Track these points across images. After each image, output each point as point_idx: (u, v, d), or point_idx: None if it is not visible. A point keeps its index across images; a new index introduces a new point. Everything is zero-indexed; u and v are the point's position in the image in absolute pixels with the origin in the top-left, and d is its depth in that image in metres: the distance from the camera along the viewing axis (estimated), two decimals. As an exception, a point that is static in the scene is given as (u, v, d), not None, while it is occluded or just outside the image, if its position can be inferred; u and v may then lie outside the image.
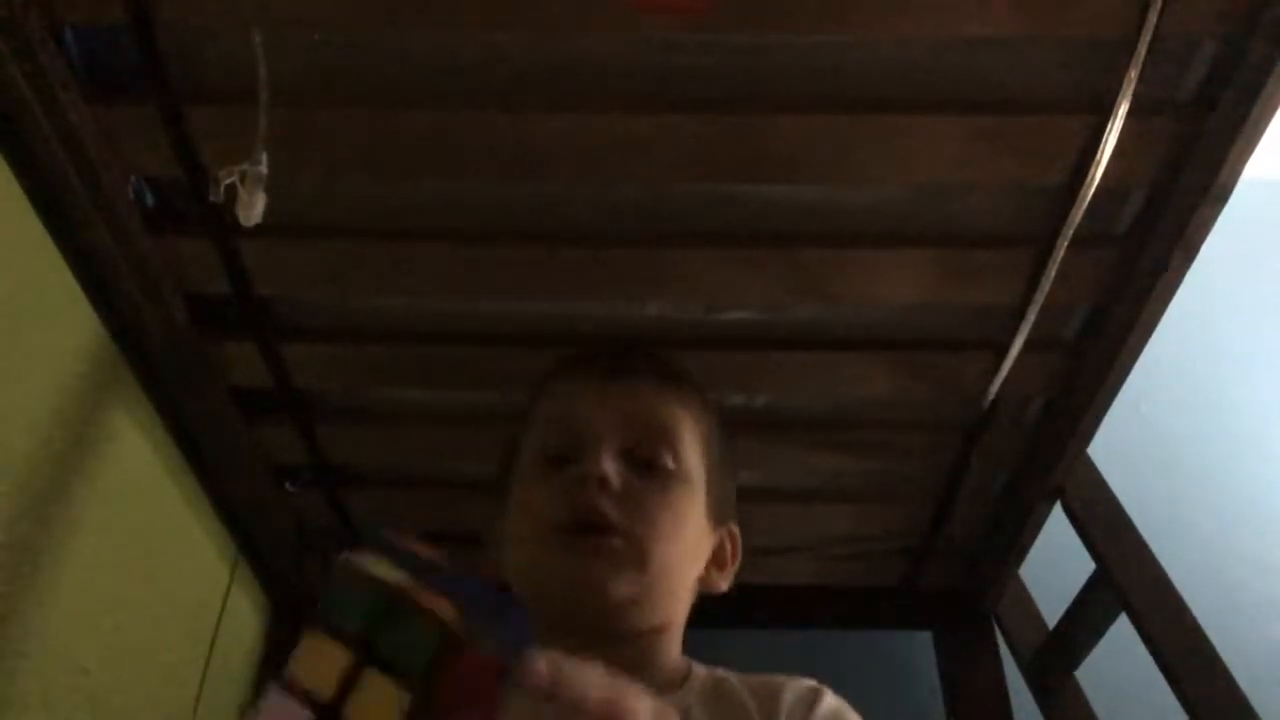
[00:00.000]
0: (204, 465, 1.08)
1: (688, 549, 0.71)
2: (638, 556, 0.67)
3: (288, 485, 1.16)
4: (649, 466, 0.70)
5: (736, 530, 0.78)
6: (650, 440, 0.71)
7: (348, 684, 0.32)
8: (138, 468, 0.99)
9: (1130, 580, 1.05)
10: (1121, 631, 1.07)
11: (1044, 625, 1.26)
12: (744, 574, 0.81)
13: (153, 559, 1.04)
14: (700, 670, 0.74)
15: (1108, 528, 1.09)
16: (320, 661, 0.32)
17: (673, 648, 0.74)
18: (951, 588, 1.32)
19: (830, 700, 0.71)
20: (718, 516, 0.75)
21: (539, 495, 0.70)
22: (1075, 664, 1.19)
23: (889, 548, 1.28)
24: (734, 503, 0.79)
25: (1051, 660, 1.22)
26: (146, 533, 1.02)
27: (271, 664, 1.28)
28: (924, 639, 1.37)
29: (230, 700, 1.21)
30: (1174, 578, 1.04)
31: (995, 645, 1.32)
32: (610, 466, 0.68)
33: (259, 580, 1.27)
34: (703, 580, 0.75)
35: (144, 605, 1.01)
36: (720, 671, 0.74)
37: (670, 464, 0.71)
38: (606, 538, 0.66)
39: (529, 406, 0.78)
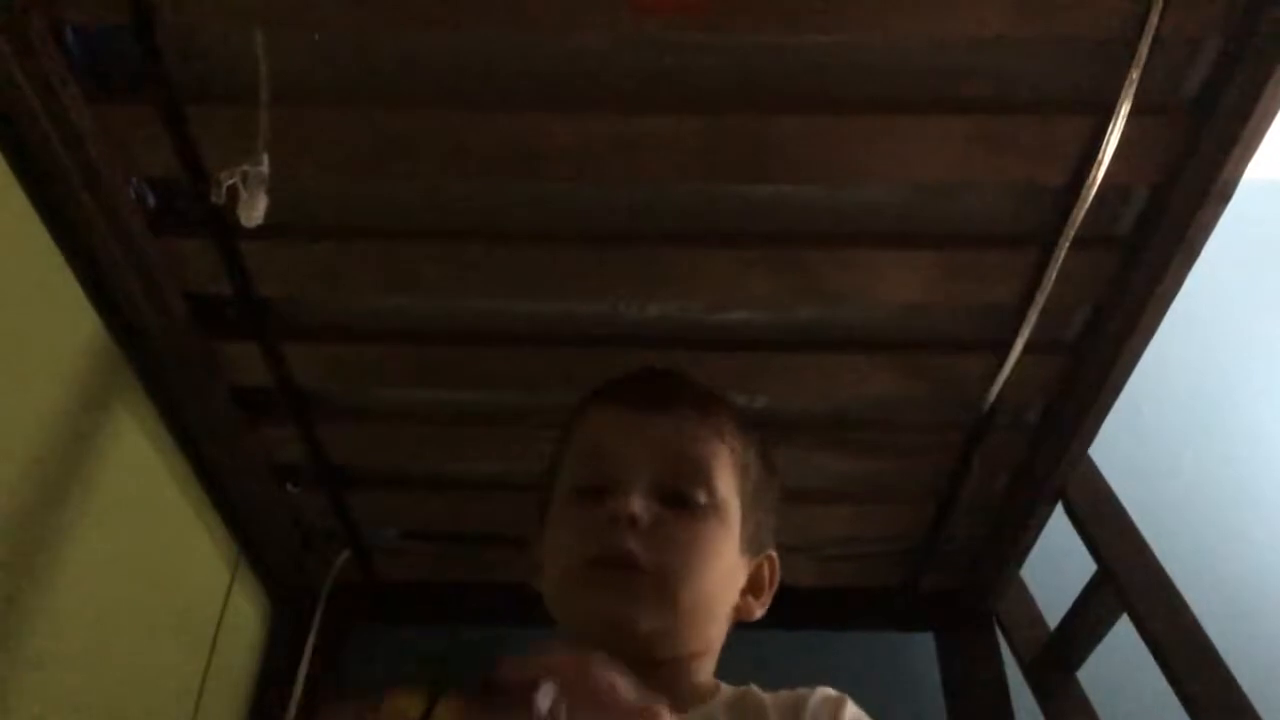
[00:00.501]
0: (204, 465, 1.08)
1: (720, 581, 0.71)
2: (666, 592, 0.66)
3: (288, 485, 1.16)
4: (681, 500, 0.70)
5: (775, 556, 0.77)
6: (683, 474, 0.70)
7: (427, 714, 0.42)
8: (138, 468, 0.99)
9: (1131, 580, 1.05)
10: (1122, 631, 1.07)
11: (1045, 625, 1.26)
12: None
13: (153, 559, 1.04)
14: (728, 688, 0.74)
15: (1109, 528, 1.09)
16: (403, 702, 0.42)
17: (705, 670, 0.74)
18: (953, 588, 1.32)
19: (852, 710, 0.70)
20: (755, 546, 0.75)
21: (570, 530, 0.70)
22: (1076, 664, 1.19)
23: (890, 548, 1.28)
24: (774, 529, 0.78)
25: (1053, 660, 1.22)
26: (147, 532, 1.02)
27: (272, 663, 1.28)
28: (925, 640, 1.37)
29: (231, 699, 1.21)
30: (1174, 578, 1.04)
31: (996, 646, 1.32)
32: (639, 505, 0.67)
33: (259, 580, 1.27)
34: (738, 608, 0.74)
35: (145, 605, 1.01)
36: (747, 688, 0.74)
37: (703, 498, 0.70)
38: (634, 574, 0.66)
39: (567, 429, 0.77)
